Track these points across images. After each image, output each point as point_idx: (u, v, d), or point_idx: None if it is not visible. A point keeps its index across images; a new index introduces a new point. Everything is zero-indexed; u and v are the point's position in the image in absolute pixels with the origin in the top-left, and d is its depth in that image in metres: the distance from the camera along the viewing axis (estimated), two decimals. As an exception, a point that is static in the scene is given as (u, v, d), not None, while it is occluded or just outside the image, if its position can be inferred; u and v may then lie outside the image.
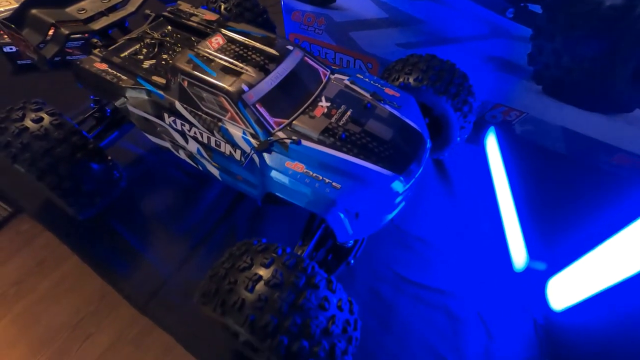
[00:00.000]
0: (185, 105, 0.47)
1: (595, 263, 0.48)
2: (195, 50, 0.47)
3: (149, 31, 0.60)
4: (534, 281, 0.54)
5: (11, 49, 0.84)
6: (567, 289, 0.51)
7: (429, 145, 0.47)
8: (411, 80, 0.56)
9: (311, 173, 0.41)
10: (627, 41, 0.53)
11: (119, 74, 0.52)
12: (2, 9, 1.04)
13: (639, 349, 0.41)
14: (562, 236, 0.56)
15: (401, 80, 0.57)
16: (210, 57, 0.46)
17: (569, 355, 0.48)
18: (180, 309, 0.52)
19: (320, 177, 0.40)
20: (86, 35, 0.79)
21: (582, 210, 0.57)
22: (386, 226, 0.58)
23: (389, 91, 0.50)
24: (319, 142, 0.43)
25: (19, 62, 0.87)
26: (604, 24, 0.53)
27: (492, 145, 0.71)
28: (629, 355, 0.42)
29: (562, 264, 0.52)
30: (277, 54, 0.47)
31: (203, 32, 0.59)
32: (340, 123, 0.44)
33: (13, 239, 1.30)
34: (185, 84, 0.45)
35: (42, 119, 0.50)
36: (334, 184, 0.40)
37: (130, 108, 0.52)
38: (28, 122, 0.49)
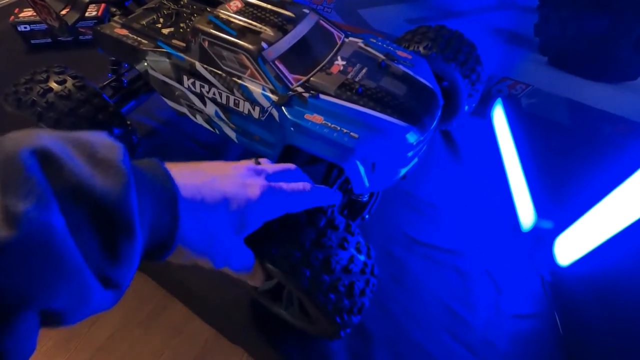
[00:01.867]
0: (205, 66, 0.48)
1: (598, 218, 0.50)
2: (215, 12, 0.49)
3: (165, 2, 0.62)
4: (542, 240, 0.56)
5: (25, 27, 0.86)
6: (573, 244, 0.53)
7: (441, 102, 0.49)
8: (421, 48, 0.58)
9: (329, 124, 0.42)
10: (630, 9, 0.55)
11: (139, 38, 0.54)
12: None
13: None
14: (569, 196, 0.57)
15: (411, 48, 0.59)
16: (230, 18, 0.48)
17: (576, 307, 0.50)
18: (195, 271, 0.54)
19: (339, 128, 0.42)
20: (99, 15, 0.81)
21: (586, 173, 0.59)
22: (394, 190, 0.60)
23: (401, 53, 0.52)
24: (336, 95, 0.44)
25: (32, 41, 0.88)
26: (608, -9, 0.55)
27: (499, 116, 0.73)
28: (631, 299, 0.44)
29: (569, 221, 0.54)
30: (293, 15, 0.49)
31: (218, 3, 0.61)
32: (357, 79, 0.46)
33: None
34: (206, 44, 0.47)
35: (65, 80, 0.52)
36: (351, 133, 0.42)
37: (151, 72, 0.54)
38: (52, 84, 0.51)
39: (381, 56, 0.49)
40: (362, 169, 0.43)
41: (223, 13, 0.48)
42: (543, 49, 0.65)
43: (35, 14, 0.82)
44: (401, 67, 0.48)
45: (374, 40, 0.53)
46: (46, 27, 0.77)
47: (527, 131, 0.69)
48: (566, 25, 0.61)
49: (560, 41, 0.63)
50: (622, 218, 0.48)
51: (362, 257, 0.38)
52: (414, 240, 0.58)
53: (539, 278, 0.54)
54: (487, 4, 0.65)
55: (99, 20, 0.61)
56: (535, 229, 0.57)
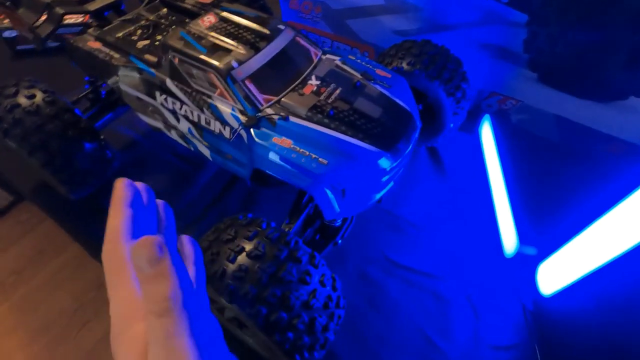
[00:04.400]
0: (176, 83, 0.47)
1: (584, 246, 0.48)
2: (187, 28, 0.47)
3: (143, 13, 0.60)
4: (524, 266, 0.54)
5: (11, 34, 0.85)
6: (556, 273, 0.51)
7: (418, 125, 0.47)
8: (404, 64, 0.56)
9: (298, 149, 0.41)
10: (619, 26, 0.53)
11: (111, 53, 0.52)
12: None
13: (626, 329, 0.41)
14: (553, 221, 0.55)
15: (394, 64, 0.57)
16: (202, 34, 0.46)
17: (557, 339, 0.48)
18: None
19: (307, 153, 0.40)
20: (86, 19, 0.80)
21: (573, 196, 0.57)
22: (375, 209, 0.59)
23: (380, 72, 0.50)
24: (307, 118, 0.43)
25: (18, 47, 0.87)
26: (597, 9, 0.53)
27: (487, 133, 0.71)
28: (616, 336, 0.42)
29: (553, 248, 0.52)
30: (268, 32, 0.47)
31: (198, 15, 0.59)
32: (329, 101, 0.44)
33: (13, 227, 1.31)
34: (177, 61, 0.46)
35: (34, 95, 0.50)
36: (320, 159, 0.40)
37: (123, 87, 0.52)
38: (21, 99, 0.50)
39: (358, 76, 0.48)
40: (331, 196, 0.41)
41: (195, 29, 0.47)
42: (532, 65, 0.63)
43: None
44: (378, 87, 0.47)
45: (353, 58, 0.51)
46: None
47: (514, 149, 0.67)
48: (555, 41, 0.59)
49: (549, 58, 0.61)
50: (610, 248, 0.46)
51: (326, 291, 0.37)
52: (393, 262, 0.56)
53: (521, 306, 0.52)
54: (476, 18, 0.64)
55: (86, 26, 0.60)
56: (518, 254, 0.55)
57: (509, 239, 0.57)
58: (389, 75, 0.50)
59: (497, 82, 0.69)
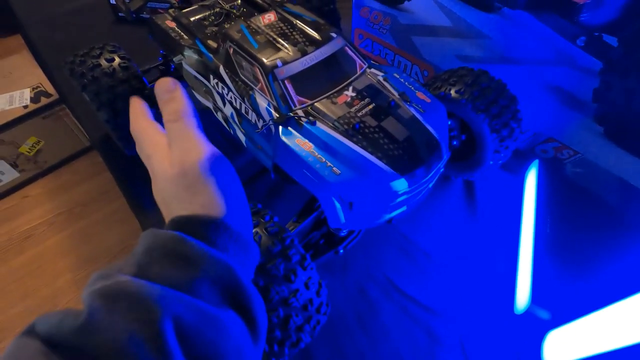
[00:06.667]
0: (227, 71, 0.51)
1: (607, 322, 0.43)
2: (248, 22, 0.51)
3: (220, 1, 0.66)
4: (532, 328, 0.50)
5: (114, 1, 0.97)
6: (568, 345, 0.46)
7: (444, 155, 0.46)
8: (452, 91, 0.55)
9: (316, 153, 0.42)
10: None
11: (182, 33, 0.58)
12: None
13: None
14: (578, 289, 0.50)
15: (442, 89, 0.56)
16: (259, 30, 0.50)
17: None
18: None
19: (323, 159, 0.42)
20: (176, 1, 0.88)
21: (608, 267, 0.51)
22: (390, 228, 0.58)
23: (420, 95, 0.49)
24: (333, 127, 0.44)
25: (120, 14, 1.00)
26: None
27: (531, 179, 0.66)
28: None
29: (570, 317, 0.47)
30: (319, 38, 0.49)
31: (265, 10, 0.63)
32: (359, 114, 0.45)
33: (88, 166, 1.51)
34: (232, 51, 0.49)
35: (113, 59, 0.58)
36: (334, 168, 0.41)
37: (185, 66, 0.58)
38: (102, 60, 0.57)
39: (395, 95, 0.48)
40: (338, 206, 0.42)
41: (254, 24, 0.50)
42: (600, 117, 0.58)
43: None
44: (412, 109, 0.46)
45: (397, 76, 0.51)
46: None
47: (558, 202, 0.62)
48: (632, 96, 0.53)
49: (621, 113, 0.55)
50: (631, 331, 0.41)
51: (308, 293, 0.38)
52: (394, 285, 0.55)
53: (518, 369, 0.48)
54: (546, 57, 0.59)
55: (171, 6, 0.67)
56: (528, 313, 0.51)
57: (523, 295, 0.53)
58: (429, 100, 0.49)
59: (557, 128, 0.64)
